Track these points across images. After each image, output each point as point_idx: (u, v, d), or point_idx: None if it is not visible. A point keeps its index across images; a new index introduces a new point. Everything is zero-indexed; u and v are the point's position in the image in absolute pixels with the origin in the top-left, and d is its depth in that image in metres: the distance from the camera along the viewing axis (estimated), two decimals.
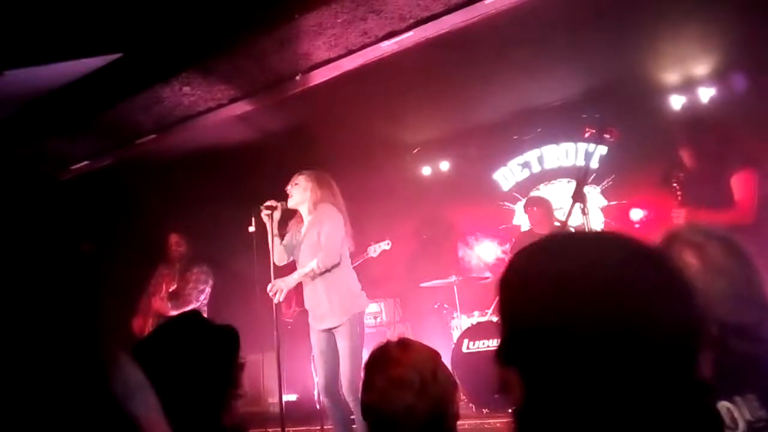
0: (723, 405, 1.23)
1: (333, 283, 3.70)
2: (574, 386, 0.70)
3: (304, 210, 3.90)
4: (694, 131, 3.80)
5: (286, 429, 3.67)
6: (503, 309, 0.80)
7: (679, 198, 3.72)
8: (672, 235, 1.46)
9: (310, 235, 3.80)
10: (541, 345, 0.73)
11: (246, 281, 4.46)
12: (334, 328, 3.67)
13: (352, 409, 3.60)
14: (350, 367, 3.56)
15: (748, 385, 1.26)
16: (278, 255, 3.92)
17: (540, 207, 5.32)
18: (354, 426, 3.61)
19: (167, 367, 1.56)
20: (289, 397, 5.78)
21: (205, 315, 4.91)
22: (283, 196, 3.93)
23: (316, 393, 4.65)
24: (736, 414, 1.23)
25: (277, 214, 3.88)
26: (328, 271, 3.69)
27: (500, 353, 0.79)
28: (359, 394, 3.45)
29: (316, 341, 3.75)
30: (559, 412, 0.71)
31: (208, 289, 4.96)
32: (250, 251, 3.97)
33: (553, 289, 0.74)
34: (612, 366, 0.69)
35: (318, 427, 4.54)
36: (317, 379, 3.77)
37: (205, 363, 1.60)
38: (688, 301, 0.74)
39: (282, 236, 3.94)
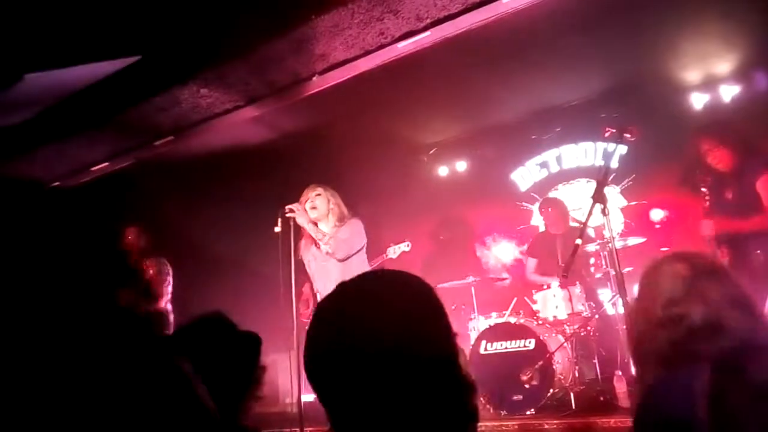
0: None
1: None
2: (363, 409, 0.87)
3: (327, 222, 3.93)
4: (717, 131, 3.73)
5: (304, 429, 3.66)
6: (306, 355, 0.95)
7: (707, 204, 3.65)
8: (663, 256, 1.54)
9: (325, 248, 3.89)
10: (333, 383, 0.89)
11: (264, 281, 4.48)
12: None
13: None
14: None
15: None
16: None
17: (555, 208, 5.29)
18: None
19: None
20: (307, 397, 5.77)
21: (170, 305, 4.92)
22: (299, 200, 3.93)
23: None
24: None
25: (300, 219, 3.87)
26: (347, 258, 3.75)
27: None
28: None
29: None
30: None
31: (170, 279, 4.97)
32: (270, 251, 3.98)
33: (335, 336, 0.90)
34: (387, 388, 0.85)
35: None
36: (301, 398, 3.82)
37: (229, 365, 1.61)
38: (441, 317, 0.94)
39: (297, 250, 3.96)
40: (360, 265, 3.85)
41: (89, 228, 5.19)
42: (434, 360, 0.90)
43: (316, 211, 3.88)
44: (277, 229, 3.90)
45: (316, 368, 0.92)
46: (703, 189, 3.68)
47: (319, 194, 3.92)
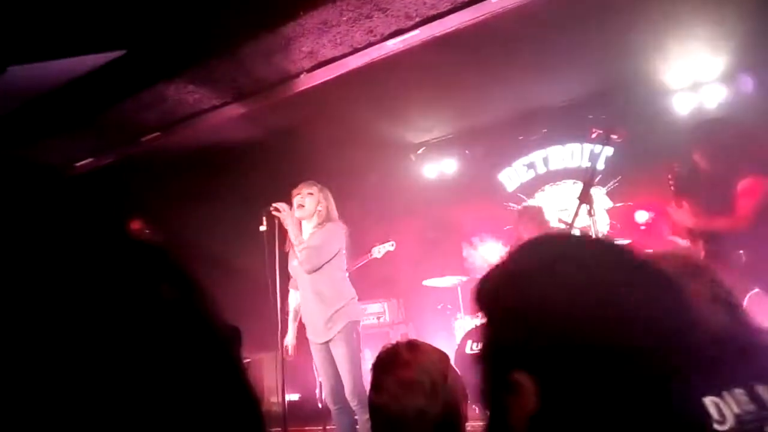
0: (710, 400, 1.26)
1: (326, 298, 3.69)
2: (591, 394, 0.70)
3: (310, 223, 3.83)
4: (702, 133, 3.76)
5: (288, 429, 3.65)
6: (514, 310, 0.76)
7: (672, 189, 3.68)
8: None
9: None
10: (562, 353, 0.71)
11: (249, 280, 4.44)
12: (329, 341, 3.67)
13: (356, 413, 3.60)
14: (350, 375, 3.57)
15: (737, 380, 1.30)
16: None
17: (532, 218, 5.34)
18: (357, 427, 3.59)
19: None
20: (292, 396, 5.75)
21: None
22: (286, 197, 3.87)
23: (318, 393, 4.63)
24: (724, 408, 1.26)
25: (286, 220, 3.76)
26: (315, 271, 3.67)
27: (512, 356, 0.75)
28: (362, 398, 3.47)
29: (315, 354, 3.78)
30: (576, 420, 0.71)
31: None
32: (255, 249, 3.95)
33: (574, 298, 0.72)
34: (624, 375, 0.70)
35: (320, 428, 4.52)
36: (323, 388, 3.82)
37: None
38: (682, 313, 0.75)
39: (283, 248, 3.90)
40: (332, 272, 3.73)
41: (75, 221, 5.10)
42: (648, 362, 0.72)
43: (302, 210, 3.78)
44: (263, 227, 3.85)
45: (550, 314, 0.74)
46: (669, 176, 3.71)
47: (311, 193, 3.81)
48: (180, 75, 4.31)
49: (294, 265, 3.83)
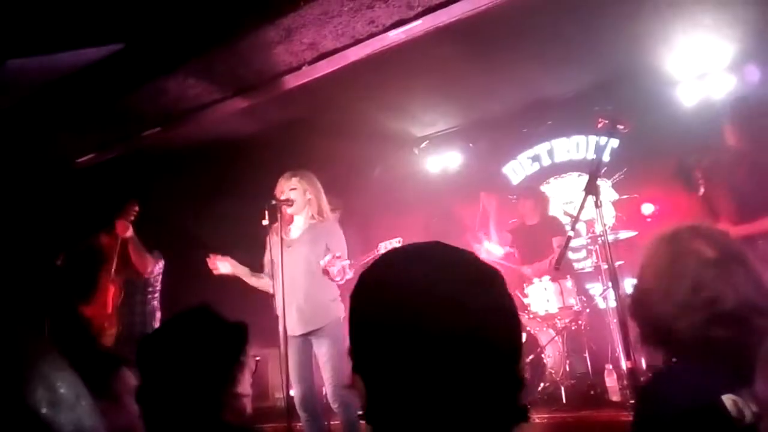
0: (728, 397, 1.21)
1: (317, 287, 3.60)
2: (410, 392, 0.77)
3: (303, 216, 3.76)
4: (738, 113, 3.61)
5: (292, 424, 3.61)
6: (350, 320, 0.86)
7: (702, 189, 3.53)
8: (677, 231, 1.43)
9: (314, 243, 3.68)
10: (379, 356, 0.80)
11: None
12: (313, 332, 3.57)
13: (339, 415, 3.52)
14: (334, 375, 3.46)
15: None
16: (264, 286, 3.81)
17: (529, 198, 5.38)
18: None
19: (168, 364, 1.52)
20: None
21: (156, 301, 4.77)
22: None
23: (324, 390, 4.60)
24: (742, 405, 1.21)
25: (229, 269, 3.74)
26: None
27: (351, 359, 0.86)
28: (345, 399, 3.40)
29: (292, 350, 3.58)
30: (397, 415, 0.79)
31: (160, 270, 4.81)
32: (258, 244, 3.91)
33: (391, 304, 0.80)
34: (442, 372, 0.76)
35: (325, 423, 4.48)
36: (293, 392, 3.57)
37: (205, 360, 1.55)
38: (513, 318, 0.82)
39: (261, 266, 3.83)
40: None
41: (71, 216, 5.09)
42: (502, 351, 0.79)
43: (293, 206, 3.69)
44: (265, 222, 3.80)
45: (360, 340, 0.83)
46: (698, 174, 3.54)
47: (293, 188, 3.70)
48: (180, 69, 4.27)
49: (289, 251, 3.70)
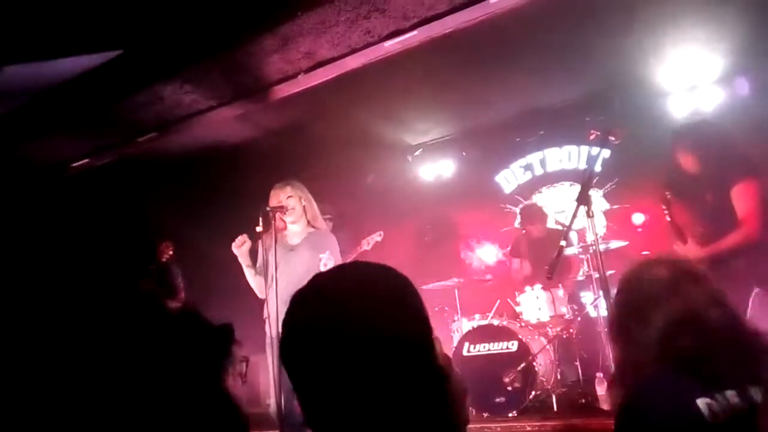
0: (703, 401, 1.31)
1: None
2: (333, 392, 0.87)
3: (298, 225, 3.78)
4: (696, 137, 3.69)
5: (283, 431, 3.61)
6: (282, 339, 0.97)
7: (667, 217, 3.59)
8: (645, 260, 1.63)
9: (310, 256, 3.68)
10: (305, 367, 0.90)
11: (245, 281, 4.42)
12: None
13: None
14: None
15: (731, 382, 1.35)
16: (258, 286, 3.80)
17: (534, 215, 5.42)
18: None
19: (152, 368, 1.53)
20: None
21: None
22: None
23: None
24: (716, 409, 1.31)
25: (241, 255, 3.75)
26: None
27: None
28: None
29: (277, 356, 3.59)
30: (324, 417, 0.88)
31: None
32: (252, 250, 3.92)
33: (313, 319, 0.92)
34: (361, 373, 0.85)
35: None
36: (282, 398, 3.56)
37: (198, 360, 1.55)
38: (418, 309, 0.93)
39: (253, 261, 3.82)
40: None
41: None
42: (408, 345, 0.89)
43: (291, 214, 3.71)
44: (259, 228, 3.81)
45: (289, 351, 0.93)
46: (663, 207, 3.60)
47: (290, 195, 3.72)
48: (176, 75, 4.29)
49: (285, 260, 3.71)
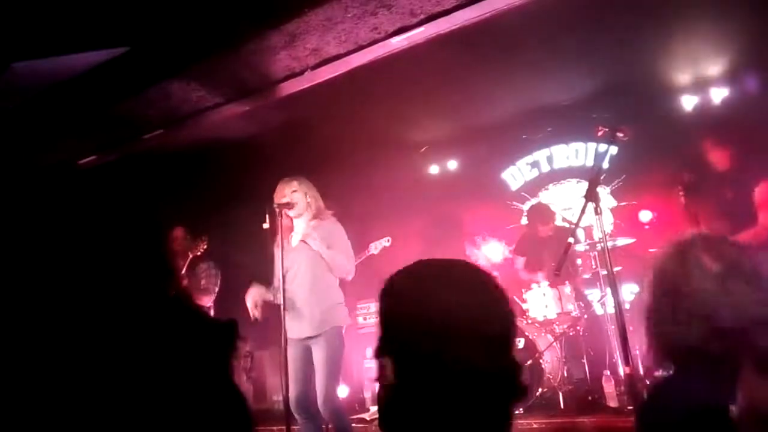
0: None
1: (320, 292, 3.65)
2: (433, 373, 0.99)
3: (304, 219, 3.79)
4: (710, 133, 3.70)
5: (292, 428, 3.63)
6: (383, 315, 1.10)
7: (683, 201, 3.60)
8: (686, 242, 1.43)
9: (314, 249, 3.71)
10: (409, 341, 1.02)
11: (253, 276, 4.43)
12: (313, 337, 3.60)
13: (327, 420, 3.55)
14: (326, 380, 3.48)
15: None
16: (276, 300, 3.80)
17: (543, 214, 5.41)
18: None
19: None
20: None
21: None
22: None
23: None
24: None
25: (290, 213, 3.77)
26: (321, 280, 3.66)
27: (380, 347, 1.07)
28: (335, 407, 3.44)
29: (292, 353, 3.62)
30: (421, 392, 1.00)
31: (218, 281, 5.08)
32: (258, 246, 3.93)
33: (418, 304, 1.05)
34: (458, 357, 0.98)
35: (324, 426, 4.49)
36: (291, 392, 3.59)
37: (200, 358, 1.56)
38: (507, 312, 1.06)
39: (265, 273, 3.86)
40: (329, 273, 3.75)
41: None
42: (495, 338, 1.02)
43: (295, 208, 3.72)
44: (266, 225, 3.80)
45: (392, 326, 1.06)
46: (679, 188, 3.62)
47: (295, 190, 3.74)
48: (184, 72, 4.30)
49: (292, 257, 3.74)
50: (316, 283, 3.66)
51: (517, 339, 4.38)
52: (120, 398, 0.89)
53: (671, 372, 1.37)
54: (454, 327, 1.00)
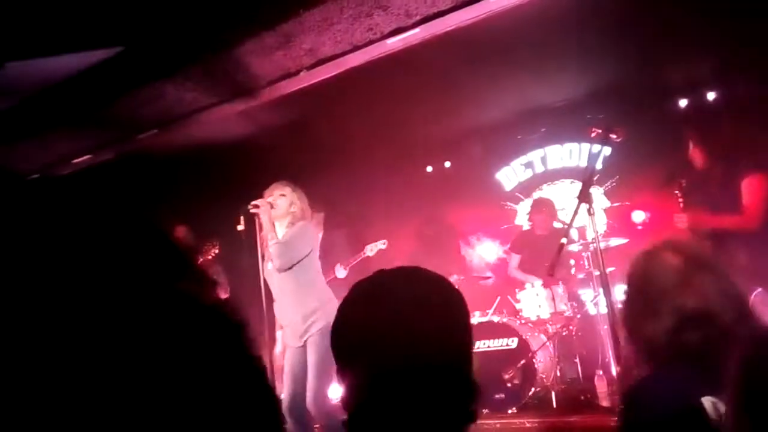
0: (707, 399, 1.27)
1: (302, 299, 3.61)
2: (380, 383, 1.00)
3: (283, 223, 3.75)
4: (701, 132, 3.76)
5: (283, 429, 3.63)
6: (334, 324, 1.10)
7: (681, 204, 3.68)
8: (653, 246, 1.56)
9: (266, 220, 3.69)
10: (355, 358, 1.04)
11: (237, 280, 4.45)
12: (306, 343, 3.59)
13: (316, 420, 3.56)
14: (315, 381, 3.46)
15: None
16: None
17: (546, 209, 5.38)
18: None
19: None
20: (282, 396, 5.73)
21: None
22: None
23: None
24: (720, 407, 1.27)
25: (263, 216, 3.66)
26: (288, 269, 3.58)
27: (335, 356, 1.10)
28: (324, 409, 3.44)
29: (289, 358, 3.64)
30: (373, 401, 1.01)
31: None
32: (244, 248, 3.92)
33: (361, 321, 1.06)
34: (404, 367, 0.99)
35: (316, 426, 4.51)
36: (284, 392, 3.60)
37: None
38: (466, 325, 1.08)
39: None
40: (307, 272, 3.65)
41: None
42: (451, 363, 1.03)
43: (274, 210, 3.69)
44: (240, 227, 3.74)
45: (343, 343, 1.06)
46: (677, 191, 3.70)
47: (283, 195, 3.71)
48: (178, 72, 4.29)
49: (269, 268, 3.71)
50: (300, 284, 3.62)
51: (510, 339, 4.42)
52: (130, 397, 0.91)
53: (652, 369, 1.41)
54: (409, 348, 1.01)
